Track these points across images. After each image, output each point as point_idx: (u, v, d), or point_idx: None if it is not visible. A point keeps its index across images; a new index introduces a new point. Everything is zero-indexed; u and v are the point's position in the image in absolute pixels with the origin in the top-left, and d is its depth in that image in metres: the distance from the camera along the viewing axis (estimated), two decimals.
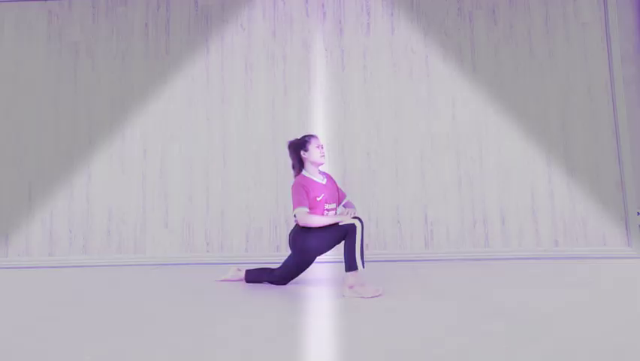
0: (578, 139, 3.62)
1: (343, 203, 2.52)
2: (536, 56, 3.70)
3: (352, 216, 2.25)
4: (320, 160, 2.41)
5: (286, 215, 3.65)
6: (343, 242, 2.25)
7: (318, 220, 2.26)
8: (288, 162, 3.64)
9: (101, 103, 3.82)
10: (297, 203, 2.29)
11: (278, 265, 2.59)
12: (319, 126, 3.71)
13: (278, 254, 3.53)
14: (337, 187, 2.53)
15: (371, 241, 3.58)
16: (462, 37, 3.76)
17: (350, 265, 2.19)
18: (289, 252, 2.53)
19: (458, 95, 3.71)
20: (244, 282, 2.64)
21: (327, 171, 2.93)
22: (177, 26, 3.87)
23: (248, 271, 2.62)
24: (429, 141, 3.68)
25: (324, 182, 2.42)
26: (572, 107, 3.65)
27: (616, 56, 3.63)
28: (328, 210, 2.39)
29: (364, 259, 2.23)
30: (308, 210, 2.28)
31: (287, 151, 2.52)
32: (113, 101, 3.82)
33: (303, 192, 2.29)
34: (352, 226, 2.19)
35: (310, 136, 2.45)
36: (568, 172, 3.59)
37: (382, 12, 3.81)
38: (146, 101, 3.81)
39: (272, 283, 2.54)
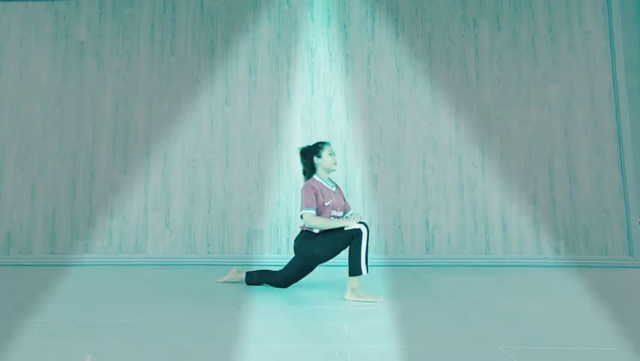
0: (580, 147, 3.61)
1: (348, 214, 2.53)
2: (540, 64, 3.71)
3: (358, 220, 2.25)
4: (332, 167, 2.46)
5: (287, 218, 3.66)
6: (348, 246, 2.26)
7: (323, 223, 2.28)
8: (290, 164, 3.69)
9: (106, 103, 3.84)
10: (305, 204, 2.31)
11: (278, 268, 2.59)
12: (322, 130, 3.72)
13: (278, 256, 3.53)
14: (344, 197, 2.55)
15: (372, 246, 3.57)
16: (466, 43, 3.76)
17: (354, 269, 2.19)
18: (291, 255, 2.53)
19: (461, 101, 3.71)
20: (244, 284, 2.64)
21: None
22: (183, 28, 3.89)
23: (249, 273, 2.62)
24: (431, 147, 3.69)
25: (333, 189, 2.45)
26: (574, 115, 3.65)
27: (619, 64, 3.63)
28: (335, 216, 2.41)
29: (368, 264, 2.23)
30: (315, 212, 2.30)
31: (298, 157, 2.55)
32: (117, 101, 3.84)
33: (312, 195, 2.32)
34: (358, 231, 2.20)
35: (323, 143, 2.49)
36: (570, 180, 3.59)
37: (387, 17, 3.83)
38: (150, 102, 3.83)
39: (272, 285, 2.54)
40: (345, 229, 2.22)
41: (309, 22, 3.86)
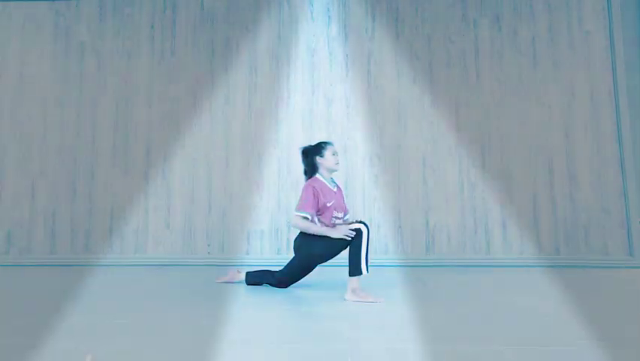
0: (580, 147, 3.61)
1: (345, 218, 2.52)
2: (540, 64, 3.71)
3: (350, 229, 2.23)
4: (335, 167, 2.45)
5: (288, 218, 3.66)
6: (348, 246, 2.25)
7: (311, 228, 2.27)
8: (291, 165, 3.68)
9: (106, 103, 3.83)
10: (300, 205, 2.31)
11: (278, 268, 2.59)
12: (322, 130, 3.72)
13: (279, 257, 3.52)
14: (344, 199, 2.55)
15: (372, 246, 3.57)
16: (466, 43, 3.76)
17: (354, 269, 2.19)
18: (291, 255, 2.53)
19: (461, 101, 3.71)
20: (244, 284, 2.64)
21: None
22: (183, 28, 3.88)
23: (249, 273, 2.63)
24: (431, 147, 3.68)
25: (334, 189, 2.45)
26: (575, 115, 3.65)
27: (619, 64, 3.63)
28: (336, 217, 2.40)
29: (369, 265, 2.23)
30: (308, 215, 2.29)
31: (300, 156, 2.54)
32: (118, 101, 3.83)
33: (312, 197, 2.31)
34: (358, 231, 2.20)
35: (326, 143, 2.48)
36: (570, 180, 3.59)
37: (387, 17, 3.82)
38: (150, 102, 3.83)
39: (272, 285, 2.54)
40: (333, 237, 2.21)
41: (309, 22, 3.85)
